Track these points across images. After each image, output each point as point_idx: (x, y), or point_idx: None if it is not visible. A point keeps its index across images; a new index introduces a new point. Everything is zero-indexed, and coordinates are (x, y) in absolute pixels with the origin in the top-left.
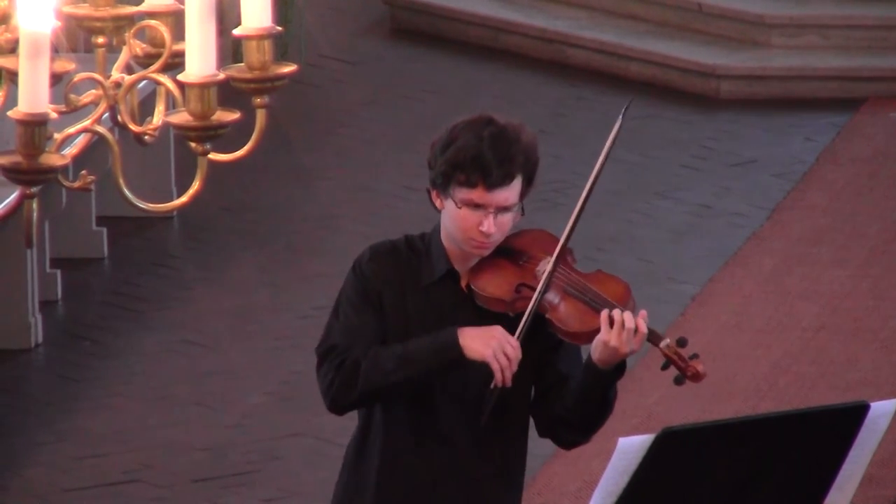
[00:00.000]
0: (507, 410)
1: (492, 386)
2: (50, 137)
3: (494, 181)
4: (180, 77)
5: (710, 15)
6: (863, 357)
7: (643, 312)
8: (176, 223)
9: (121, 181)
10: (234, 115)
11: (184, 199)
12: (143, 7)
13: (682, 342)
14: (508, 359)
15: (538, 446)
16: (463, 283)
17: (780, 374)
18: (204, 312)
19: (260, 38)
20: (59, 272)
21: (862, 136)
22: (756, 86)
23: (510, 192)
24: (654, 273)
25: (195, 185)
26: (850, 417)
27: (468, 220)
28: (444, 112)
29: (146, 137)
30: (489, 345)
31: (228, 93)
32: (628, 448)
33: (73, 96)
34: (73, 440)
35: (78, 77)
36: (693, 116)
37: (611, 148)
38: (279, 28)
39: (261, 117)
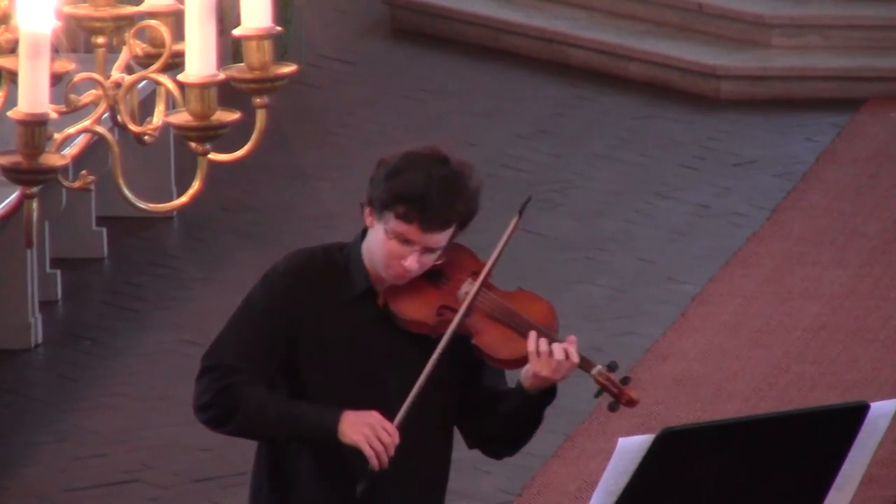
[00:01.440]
0: (428, 430)
1: (369, 467)
2: (50, 137)
3: (432, 225)
4: (180, 77)
5: (710, 15)
6: (863, 357)
7: (572, 338)
8: (176, 223)
9: (121, 181)
10: (234, 116)
11: (184, 199)
12: (143, 7)
13: (612, 367)
14: (383, 444)
15: (536, 447)
16: (380, 301)
17: (780, 374)
18: (204, 312)
19: (260, 38)
20: (58, 272)
21: (862, 136)
22: (756, 86)
23: (442, 237)
24: (654, 273)
25: (195, 186)
26: (850, 417)
27: (393, 252)
28: (445, 112)
29: (146, 137)
30: (362, 431)
31: (228, 93)
32: (628, 448)
33: (73, 96)
34: (73, 440)
35: (78, 77)
36: (693, 116)
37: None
38: (279, 28)
39: (261, 117)
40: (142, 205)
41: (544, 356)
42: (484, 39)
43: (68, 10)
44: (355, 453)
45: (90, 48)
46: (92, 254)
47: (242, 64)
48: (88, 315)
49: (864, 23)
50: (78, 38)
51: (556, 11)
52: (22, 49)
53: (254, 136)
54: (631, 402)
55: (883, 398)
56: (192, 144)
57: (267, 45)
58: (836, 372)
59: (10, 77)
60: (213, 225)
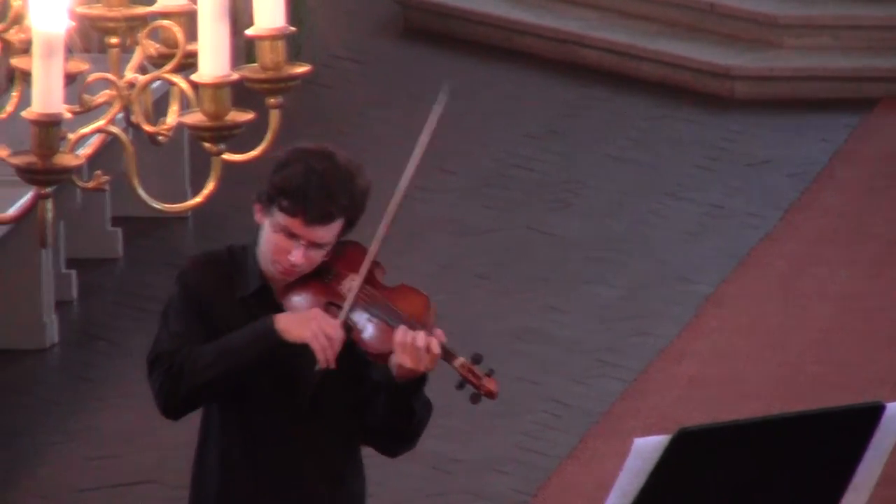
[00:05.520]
0: (330, 417)
1: (316, 368)
2: (64, 138)
3: (313, 217)
4: (194, 77)
5: (721, 15)
6: (877, 357)
7: (439, 331)
8: (190, 223)
9: (135, 181)
10: (247, 116)
11: (198, 199)
12: (156, 7)
13: (476, 359)
14: (330, 338)
15: (553, 447)
16: (280, 298)
17: (794, 374)
18: None
19: (273, 38)
20: (74, 272)
21: (876, 136)
22: (769, 86)
23: (327, 232)
24: (667, 274)
25: (209, 186)
26: (866, 418)
27: (279, 246)
28: (456, 112)
29: (160, 137)
30: (308, 326)
31: (242, 93)
32: (644, 448)
33: (86, 96)
34: (86, 440)
35: (91, 77)
36: (705, 117)
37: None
38: (292, 28)
39: (274, 118)
40: (156, 205)
41: (409, 347)
42: (495, 40)
43: (81, 10)
44: (280, 419)
45: (103, 48)
46: (107, 254)
47: (256, 64)
48: (103, 315)
49: (876, 23)
50: (91, 39)
51: (567, 12)
52: (35, 49)
53: (268, 137)
54: (491, 395)
55: None
56: (206, 144)
57: (280, 45)
58: (850, 372)
59: (24, 77)
60: (227, 225)
